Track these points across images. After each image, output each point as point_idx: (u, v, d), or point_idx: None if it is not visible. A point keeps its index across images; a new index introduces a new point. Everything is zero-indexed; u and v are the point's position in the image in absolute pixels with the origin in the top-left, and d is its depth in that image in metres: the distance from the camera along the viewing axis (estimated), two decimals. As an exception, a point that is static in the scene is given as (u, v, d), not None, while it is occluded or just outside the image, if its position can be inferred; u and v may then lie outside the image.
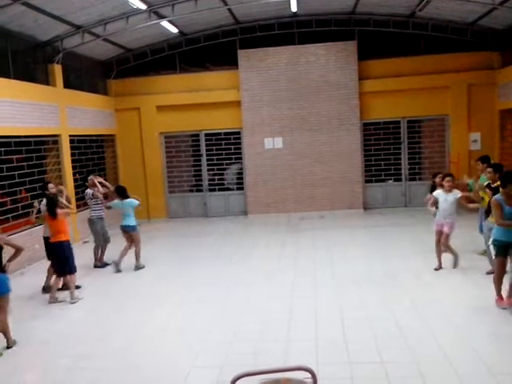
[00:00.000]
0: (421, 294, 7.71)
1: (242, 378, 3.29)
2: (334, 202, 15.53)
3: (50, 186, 9.41)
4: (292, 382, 3.35)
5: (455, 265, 8.85)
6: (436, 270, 8.90)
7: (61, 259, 8.32)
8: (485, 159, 9.64)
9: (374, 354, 5.83)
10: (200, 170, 16.44)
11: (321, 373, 5.04)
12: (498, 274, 6.96)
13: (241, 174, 16.28)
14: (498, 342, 5.98)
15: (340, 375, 5.38)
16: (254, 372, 3.39)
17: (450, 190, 8.62)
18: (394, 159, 15.77)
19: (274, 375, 3.40)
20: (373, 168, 15.92)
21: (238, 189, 16.44)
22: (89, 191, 10.71)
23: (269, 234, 13.08)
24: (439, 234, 8.90)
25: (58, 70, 12.85)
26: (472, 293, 7.66)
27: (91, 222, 10.58)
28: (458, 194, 8.63)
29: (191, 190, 16.74)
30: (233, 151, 16.19)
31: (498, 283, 6.97)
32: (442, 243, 8.80)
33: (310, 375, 3.37)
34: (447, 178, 8.84)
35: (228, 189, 16.57)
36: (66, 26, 12.06)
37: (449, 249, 8.86)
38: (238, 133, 16.00)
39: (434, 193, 8.87)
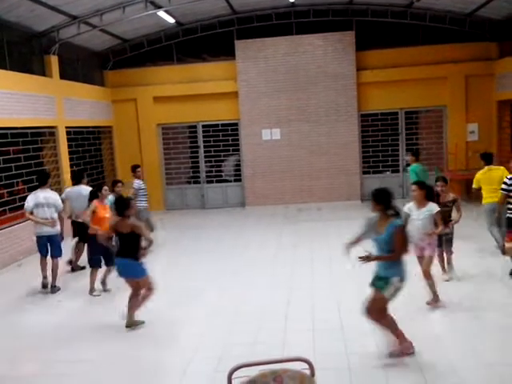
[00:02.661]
0: (417, 285, 7.71)
1: (240, 369, 3.30)
2: (331, 193, 15.52)
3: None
4: (290, 372, 3.36)
5: (434, 301, 6.88)
6: (428, 304, 6.89)
7: (106, 252, 7.97)
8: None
9: (372, 344, 5.85)
10: (197, 162, 16.40)
11: (318, 363, 5.05)
12: None
13: (238, 165, 16.26)
14: None
15: (338, 366, 5.40)
16: (251, 363, 3.39)
17: (423, 205, 6.83)
18: (391, 150, 15.76)
19: (271, 366, 3.41)
20: (370, 159, 15.91)
21: (235, 180, 16.41)
22: (137, 182, 10.99)
23: (266, 225, 13.08)
24: (422, 261, 6.96)
25: (54, 60, 12.77)
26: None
27: (139, 212, 10.34)
28: (433, 209, 6.84)
29: (189, 182, 16.71)
30: (230, 143, 16.15)
31: None
32: (423, 271, 6.87)
33: (307, 366, 3.38)
34: (438, 183, 7.58)
35: (226, 180, 16.55)
36: (62, 16, 11.97)
37: (429, 279, 6.88)
38: (236, 124, 15.95)
39: (405, 207, 6.96)
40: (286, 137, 15.54)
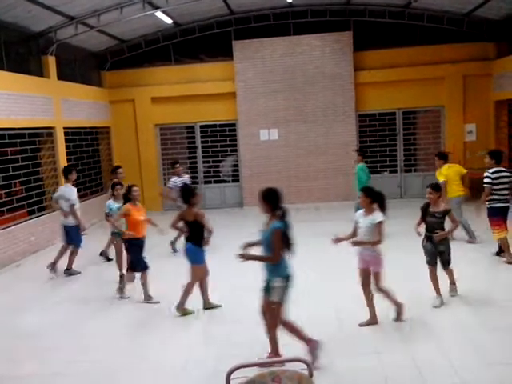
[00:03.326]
0: (415, 286, 7.72)
1: (238, 370, 3.30)
2: (329, 193, 15.52)
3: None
4: (288, 373, 3.36)
5: (398, 317, 6.47)
6: (361, 326, 6.41)
7: (139, 255, 7.86)
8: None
9: (370, 345, 5.85)
10: (195, 162, 16.40)
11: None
12: None
13: (236, 165, 16.26)
14: None
15: (336, 367, 5.40)
16: (250, 363, 3.39)
17: (369, 212, 6.31)
18: (389, 151, 15.78)
19: (270, 367, 3.41)
20: (368, 159, 15.87)
21: (233, 181, 16.42)
22: (172, 180, 10.94)
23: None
24: (364, 273, 6.40)
25: (51, 61, 12.75)
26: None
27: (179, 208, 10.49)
28: (377, 218, 6.21)
29: (187, 182, 16.67)
30: (228, 143, 16.16)
31: None
32: (376, 289, 6.40)
33: (305, 366, 3.38)
34: (427, 190, 7.04)
35: (224, 181, 16.54)
36: (59, 16, 11.96)
37: (383, 293, 6.41)
38: (234, 124, 15.95)
39: (357, 213, 6.57)
40: (284, 137, 15.55)
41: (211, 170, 16.41)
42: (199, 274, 7.16)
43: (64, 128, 13.09)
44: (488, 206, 8.78)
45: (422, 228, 7.10)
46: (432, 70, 14.96)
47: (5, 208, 10.87)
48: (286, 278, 5.34)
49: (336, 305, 7.12)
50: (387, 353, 5.63)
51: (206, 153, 16.28)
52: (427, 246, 6.98)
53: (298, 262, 5.68)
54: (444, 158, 10.37)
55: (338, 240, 6.34)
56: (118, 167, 10.92)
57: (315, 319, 6.52)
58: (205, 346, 6.14)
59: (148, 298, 7.80)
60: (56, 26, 12.33)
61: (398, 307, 6.43)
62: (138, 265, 7.78)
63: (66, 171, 9.87)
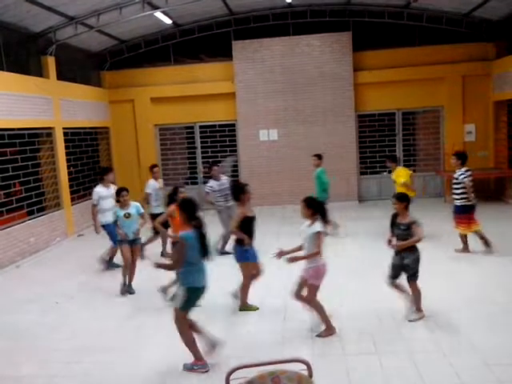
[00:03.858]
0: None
1: (238, 370, 3.30)
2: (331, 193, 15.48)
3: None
4: (288, 373, 3.36)
5: (323, 333, 6.20)
6: (319, 336, 6.17)
7: None
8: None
9: (370, 345, 5.85)
10: (195, 163, 16.40)
11: (316, 364, 5.06)
12: None
13: (236, 166, 16.25)
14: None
15: (336, 367, 5.40)
16: (249, 364, 3.39)
17: (311, 223, 6.14)
18: (388, 151, 15.76)
19: (269, 367, 3.41)
20: (368, 160, 15.92)
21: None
22: (209, 184, 10.55)
23: (263, 225, 13.03)
24: (301, 282, 6.29)
25: (51, 61, 12.75)
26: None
27: (218, 213, 10.56)
28: (315, 228, 6.06)
29: (186, 183, 16.68)
30: (228, 143, 16.16)
31: None
32: (307, 300, 6.27)
33: (305, 367, 3.38)
34: (393, 200, 6.66)
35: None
36: (58, 17, 11.95)
37: (314, 307, 6.26)
38: (233, 125, 15.96)
39: (303, 225, 6.31)
40: (284, 137, 15.55)
41: (205, 170, 16.39)
42: (248, 272, 7.13)
43: (63, 128, 13.08)
44: (460, 203, 9.19)
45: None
46: (431, 70, 14.97)
47: (4, 208, 10.86)
48: (191, 288, 5.45)
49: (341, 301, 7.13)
50: (386, 353, 5.63)
51: (206, 153, 16.28)
52: (394, 259, 6.59)
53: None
54: (396, 160, 10.92)
55: (280, 254, 6.24)
56: (155, 166, 11.08)
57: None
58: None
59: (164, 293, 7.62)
60: (55, 26, 12.33)
61: (327, 324, 6.20)
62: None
63: (102, 172, 10.03)
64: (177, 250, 5.43)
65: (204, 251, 5.59)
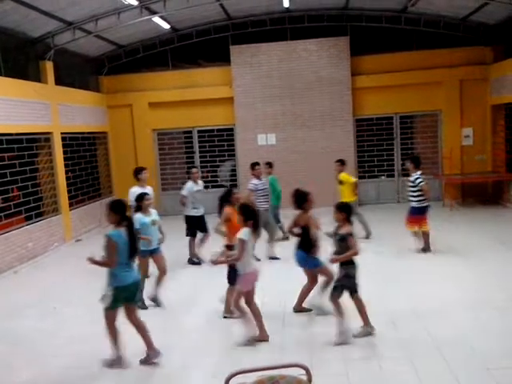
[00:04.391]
0: (415, 291, 7.73)
1: (237, 375, 3.28)
2: (327, 198, 15.40)
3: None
4: (287, 378, 3.35)
5: (249, 342, 6.17)
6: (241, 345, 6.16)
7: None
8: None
9: (368, 350, 5.85)
10: (193, 167, 16.36)
11: (315, 369, 5.04)
12: None
13: (234, 170, 16.26)
14: None
15: (335, 372, 5.39)
16: (249, 369, 3.38)
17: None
18: (386, 155, 15.80)
19: (269, 372, 3.40)
20: (366, 164, 15.93)
21: (231, 186, 16.37)
22: (252, 182, 10.54)
23: (263, 230, 13.03)
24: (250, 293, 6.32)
25: (49, 66, 12.75)
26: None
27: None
28: (239, 235, 6.10)
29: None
30: (226, 148, 16.17)
31: None
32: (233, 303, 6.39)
33: (304, 372, 3.37)
34: (334, 209, 6.44)
35: (221, 186, 16.51)
36: (56, 22, 11.96)
37: (240, 312, 6.27)
38: (231, 129, 15.97)
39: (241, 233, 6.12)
40: (282, 142, 15.56)
41: (209, 174, 16.41)
42: (314, 276, 7.10)
43: (61, 133, 13.07)
44: (418, 205, 9.71)
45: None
46: (429, 74, 15.01)
47: (2, 214, 10.84)
48: (114, 288, 5.68)
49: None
50: (386, 358, 5.62)
51: (204, 158, 16.29)
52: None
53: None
54: (342, 162, 11.43)
55: (214, 263, 6.44)
56: (194, 167, 10.95)
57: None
58: (203, 352, 6.12)
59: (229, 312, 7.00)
60: (53, 31, 12.34)
61: (251, 333, 6.21)
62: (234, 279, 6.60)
63: (136, 172, 9.67)
64: (106, 248, 5.59)
65: (132, 251, 5.77)
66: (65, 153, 13.26)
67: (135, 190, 8.79)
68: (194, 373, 5.63)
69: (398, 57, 15.19)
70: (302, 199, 7.07)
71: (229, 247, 6.80)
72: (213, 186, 16.33)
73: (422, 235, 9.88)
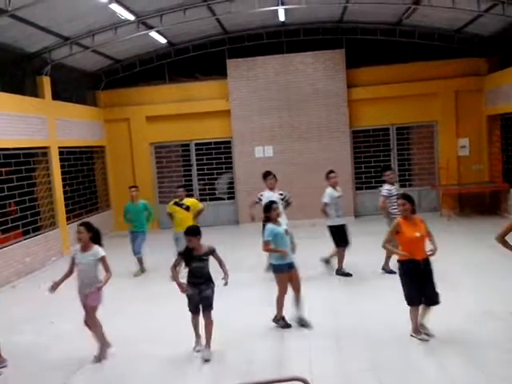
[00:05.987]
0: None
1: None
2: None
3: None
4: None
5: (99, 356, 6.35)
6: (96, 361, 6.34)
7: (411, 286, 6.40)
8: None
9: (368, 362, 5.82)
10: (191, 180, 16.41)
11: (315, 382, 5.02)
12: None
13: (232, 183, 16.27)
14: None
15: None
16: (248, 383, 3.37)
17: (89, 248, 6.32)
18: (383, 166, 15.80)
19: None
20: (363, 175, 15.97)
21: (229, 198, 16.42)
22: (386, 188, 9.63)
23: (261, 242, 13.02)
24: (85, 308, 6.46)
25: (46, 81, 12.80)
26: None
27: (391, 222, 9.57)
28: (99, 253, 6.30)
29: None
30: (223, 161, 16.20)
31: None
32: (87, 322, 6.49)
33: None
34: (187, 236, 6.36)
35: (219, 198, 16.53)
36: (53, 37, 12.04)
37: (93, 329, 6.47)
38: (229, 142, 16.01)
39: (75, 250, 6.60)
40: (279, 154, 15.59)
41: (207, 187, 16.42)
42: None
43: (59, 147, 13.10)
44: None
45: None
46: (424, 85, 15.11)
47: (-1, 228, 10.84)
48: None
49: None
50: (385, 370, 5.59)
51: (202, 170, 16.32)
52: (192, 291, 6.30)
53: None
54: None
55: (54, 286, 6.42)
56: (332, 171, 10.10)
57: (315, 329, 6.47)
58: (202, 366, 6.08)
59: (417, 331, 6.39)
60: (50, 46, 12.41)
61: (103, 348, 6.36)
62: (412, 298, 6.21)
63: (264, 176, 10.06)
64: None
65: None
66: (62, 167, 13.27)
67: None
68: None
69: (394, 69, 15.29)
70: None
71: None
72: (210, 199, 16.33)
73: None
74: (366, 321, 7.04)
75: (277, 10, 13.08)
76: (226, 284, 6.31)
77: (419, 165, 16.00)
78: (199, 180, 16.35)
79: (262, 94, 15.48)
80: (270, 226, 6.95)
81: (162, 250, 11.53)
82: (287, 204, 10.18)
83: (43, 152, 12.60)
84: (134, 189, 11.08)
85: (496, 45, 14.33)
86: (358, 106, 15.50)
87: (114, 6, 10.69)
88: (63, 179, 13.25)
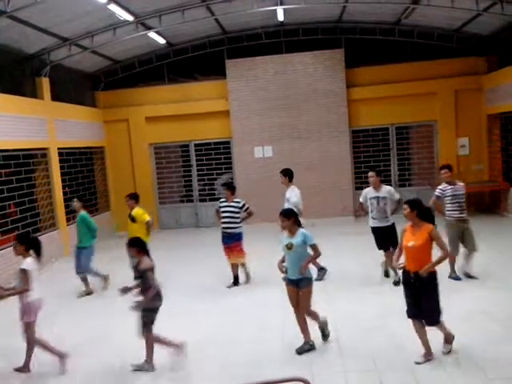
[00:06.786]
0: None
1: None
2: (324, 209, 15.51)
3: None
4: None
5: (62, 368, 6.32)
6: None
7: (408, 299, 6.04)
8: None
9: (370, 362, 5.81)
10: (190, 181, 16.41)
11: (316, 383, 5.01)
12: None
13: (232, 183, 16.24)
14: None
15: (335, 384, 5.36)
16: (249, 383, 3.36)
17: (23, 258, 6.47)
18: (383, 166, 15.82)
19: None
20: (362, 175, 15.93)
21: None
22: (445, 187, 8.98)
23: (260, 243, 13.02)
24: (24, 325, 6.56)
25: (45, 82, 12.79)
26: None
27: (447, 226, 8.88)
28: (22, 265, 6.55)
29: (182, 201, 16.69)
30: (223, 161, 16.20)
31: None
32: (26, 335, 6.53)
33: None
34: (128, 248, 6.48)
35: (219, 198, 16.48)
36: (52, 38, 12.03)
37: (40, 344, 6.51)
38: (228, 142, 16.01)
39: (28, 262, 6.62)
40: (278, 154, 15.58)
41: (206, 187, 16.41)
42: None
43: (58, 148, 13.09)
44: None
45: None
46: (424, 85, 15.10)
47: (-1, 230, 10.83)
48: None
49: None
50: (386, 370, 5.58)
51: (201, 171, 16.32)
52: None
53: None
54: (136, 198, 9.62)
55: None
56: (369, 171, 9.39)
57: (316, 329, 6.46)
58: (204, 368, 6.07)
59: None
60: (49, 47, 12.40)
61: (61, 359, 6.32)
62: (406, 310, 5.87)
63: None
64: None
65: None
66: (62, 168, 13.27)
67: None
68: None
69: (393, 68, 15.29)
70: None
71: None
72: (210, 200, 16.32)
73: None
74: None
75: (276, 10, 13.08)
76: (133, 308, 6.06)
77: (419, 164, 15.99)
78: (199, 180, 16.34)
79: (261, 94, 15.47)
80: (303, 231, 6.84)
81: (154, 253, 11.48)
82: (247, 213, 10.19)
83: (43, 153, 12.60)
84: (74, 199, 9.99)
85: (495, 44, 14.33)
86: (357, 106, 15.49)
87: (113, 7, 10.69)
88: (63, 180, 13.24)
